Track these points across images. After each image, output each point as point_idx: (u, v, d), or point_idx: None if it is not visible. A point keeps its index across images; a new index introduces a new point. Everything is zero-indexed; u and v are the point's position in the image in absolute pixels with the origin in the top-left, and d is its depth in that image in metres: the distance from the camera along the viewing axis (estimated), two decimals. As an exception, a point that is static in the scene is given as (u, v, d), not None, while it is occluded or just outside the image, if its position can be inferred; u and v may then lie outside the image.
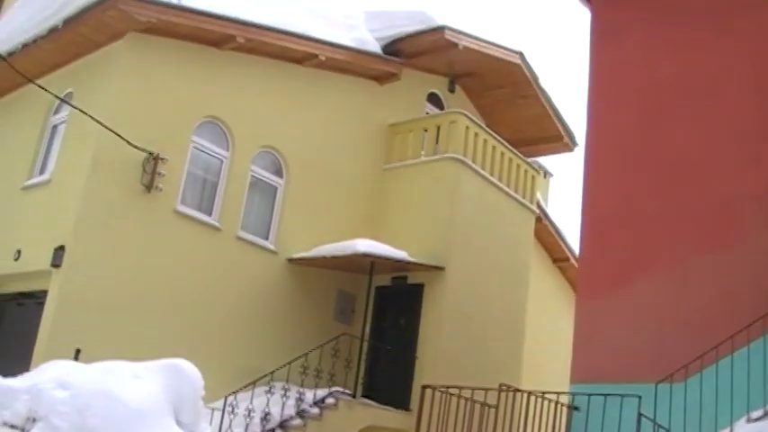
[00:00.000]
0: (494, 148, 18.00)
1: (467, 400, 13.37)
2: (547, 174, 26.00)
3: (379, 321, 16.71)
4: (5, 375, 10.94)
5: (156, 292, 14.17)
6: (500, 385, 12.18)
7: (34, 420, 8.78)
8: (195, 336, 14.35)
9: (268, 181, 16.33)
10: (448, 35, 17.84)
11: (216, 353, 14.20)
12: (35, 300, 14.41)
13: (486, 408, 12.29)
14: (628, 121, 13.42)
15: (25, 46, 15.48)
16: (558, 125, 21.04)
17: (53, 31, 14.89)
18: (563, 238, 23.59)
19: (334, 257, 15.59)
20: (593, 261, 13.47)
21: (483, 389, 12.39)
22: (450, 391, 12.87)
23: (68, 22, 14.58)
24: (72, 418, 8.70)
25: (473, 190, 17.24)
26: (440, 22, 17.97)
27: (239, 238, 15.55)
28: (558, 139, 21.44)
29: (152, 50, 14.67)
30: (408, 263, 15.87)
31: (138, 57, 14.57)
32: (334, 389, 14.49)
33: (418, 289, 16.49)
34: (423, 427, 13.50)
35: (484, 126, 18.25)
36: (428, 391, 13.67)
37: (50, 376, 10.00)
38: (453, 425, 12.83)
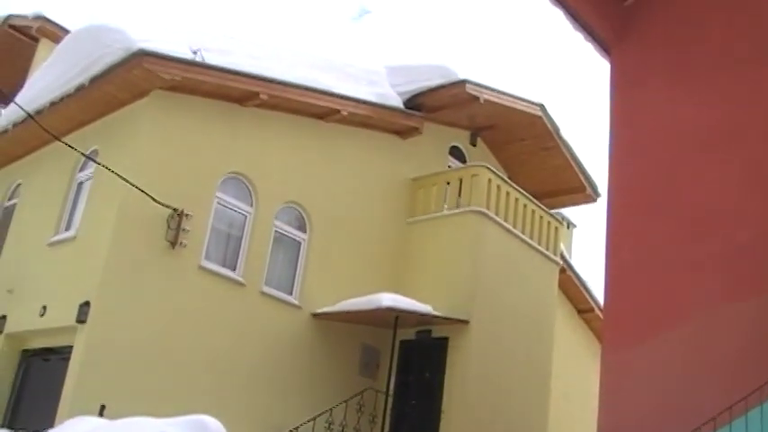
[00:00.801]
0: (516, 200, 18.00)
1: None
2: (570, 225, 25.94)
3: (404, 376, 16.59)
4: (30, 431, 11.00)
5: (181, 348, 14.16)
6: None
7: (60, 477, 8.80)
8: (220, 391, 14.29)
9: (292, 236, 16.36)
10: (469, 89, 17.92)
11: (241, 408, 14.12)
12: (60, 355, 14.47)
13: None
14: (650, 169, 13.38)
15: (53, 104, 15.75)
16: (581, 176, 21.02)
17: (80, 89, 15.15)
18: (587, 288, 23.46)
19: (359, 312, 15.55)
20: (618, 312, 13.35)
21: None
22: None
23: (95, 80, 14.81)
24: (96, 476, 8.71)
25: (496, 242, 17.20)
26: (461, 75, 18.07)
27: (263, 294, 15.53)
28: (580, 190, 21.40)
29: (176, 108, 14.83)
30: (432, 316, 15.80)
31: (162, 114, 14.74)
32: (359, 444, 14.41)
33: (443, 343, 16.38)
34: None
35: (506, 178, 18.26)
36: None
37: (76, 432, 10.01)
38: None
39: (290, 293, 16.06)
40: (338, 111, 16.68)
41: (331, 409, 14.51)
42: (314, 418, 14.09)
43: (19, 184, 18.44)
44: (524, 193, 18.32)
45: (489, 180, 17.34)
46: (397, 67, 18.92)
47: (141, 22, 16.71)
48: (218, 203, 15.22)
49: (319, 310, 16.04)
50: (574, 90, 62.08)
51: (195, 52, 14.55)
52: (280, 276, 16.03)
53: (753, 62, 12.56)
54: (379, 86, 17.81)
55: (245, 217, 15.61)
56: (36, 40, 22.00)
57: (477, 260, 16.70)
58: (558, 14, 13.44)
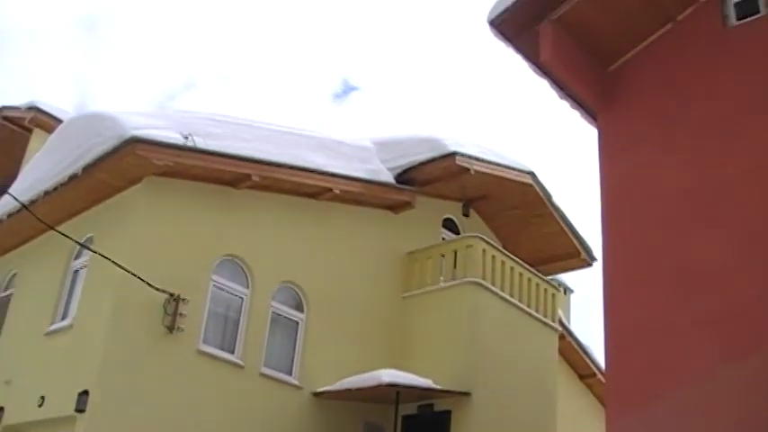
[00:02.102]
0: (512, 269, 18.03)
1: None
2: (567, 290, 25.93)
3: (405, 453, 16.45)
4: None
5: (182, 433, 14.06)
6: None
7: None
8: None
9: (289, 316, 16.33)
10: (459, 161, 18.04)
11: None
12: (60, 447, 14.36)
13: None
14: (642, 232, 13.41)
15: (47, 193, 15.82)
16: (575, 241, 21.09)
17: (73, 178, 15.23)
18: (588, 353, 23.40)
19: (359, 389, 15.44)
20: (619, 378, 13.26)
21: None
22: None
23: (87, 168, 14.91)
24: None
25: (494, 313, 17.19)
26: (450, 147, 18.14)
27: (263, 375, 15.44)
28: (575, 256, 21.45)
29: (169, 193, 14.94)
30: (434, 390, 15.71)
31: (155, 199, 14.84)
32: None
33: (445, 416, 16.22)
34: None
35: (501, 248, 18.32)
36: None
37: None
38: None
39: (290, 373, 15.97)
40: (330, 189, 16.79)
41: (335, 491, 14.37)
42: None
43: (14, 274, 18.43)
44: (519, 261, 18.37)
45: (484, 250, 17.39)
46: (386, 142, 19.06)
47: (131, 109, 16.89)
48: (215, 286, 15.23)
49: (320, 389, 15.95)
50: (565, 155, 62.56)
51: (186, 137, 14.67)
52: (279, 357, 15.95)
53: (737, 121, 12.69)
54: (370, 163, 17.94)
55: (242, 299, 15.62)
56: (29, 130, 22.21)
57: (475, 331, 16.67)
58: (544, 84, 13.59)
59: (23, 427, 15.52)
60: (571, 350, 22.62)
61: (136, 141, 14.08)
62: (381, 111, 69.15)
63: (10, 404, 15.77)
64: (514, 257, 18.29)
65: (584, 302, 37.83)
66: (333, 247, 17.23)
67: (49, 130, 20.12)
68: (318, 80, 70.36)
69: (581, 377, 23.81)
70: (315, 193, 16.84)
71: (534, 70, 13.44)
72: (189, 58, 70.60)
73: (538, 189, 19.88)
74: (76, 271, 15.97)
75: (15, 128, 22.68)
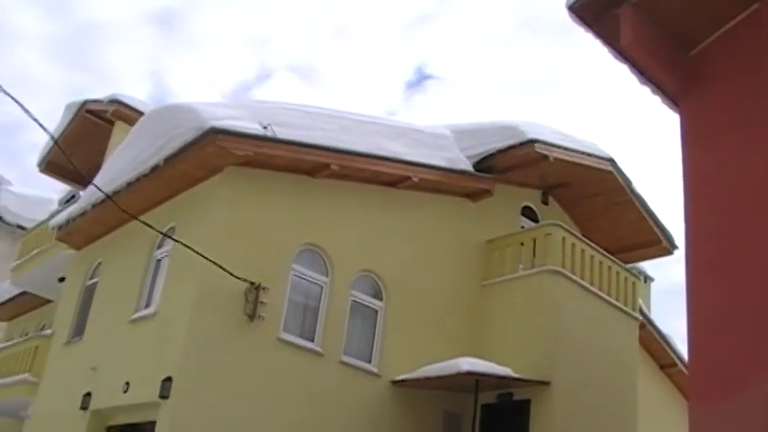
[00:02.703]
0: (591, 257, 17.80)
1: None
2: (647, 279, 25.54)
3: (487, 440, 16.40)
4: None
5: (263, 421, 14.20)
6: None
7: None
8: (303, 463, 14.31)
9: (368, 304, 16.40)
10: (538, 148, 17.90)
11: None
12: (144, 431, 14.63)
13: None
14: (728, 219, 13.08)
15: (129, 184, 16.15)
16: (656, 229, 20.75)
17: (155, 169, 15.53)
18: (669, 343, 23.06)
19: (438, 377, 15.43)
20: (703, 365, 12.98)
21: None
22: None
23: (169, 159, 15.18)
24: None
25: (574, 301, 17.01)
26: (529, 134, 18.01)
27: (342, 363, 15.55)
28: (655, 243, 21.10)
29: (249, 182, 15.09)
30: (513, 379, 15.62)
31: (236, 189, 15.00)
32: None
33: (524, 405, 16.13)
34: None
35: (580, 236, 18.09)
36: None
37: None
38: None
39: (369, 362, 16.04)
40: (409, 177, 16.79)
41: (414, 477, 14.38)
42: (397, 487, 13.97)
43: (99, 263, 18.85)
44: (599, 249, 18.12)
45: (563, 238, 17.20)
46: (465, 130, 18.97)
47: (209, 101, 17.07)
48: (294, 275, 15.35)
49: (399, 377, 15.98)
50: (644, 141, 61.63)
51: (265, 127, 14.80)
52: (358, 345, 16.04)
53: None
54: (448, 151, 17.87)
55: (322, 288, 15.72)
56: (111, 123, 22.63)
57: (555, 320, 16.51)
58: (624, 69, 13.34)
59: (110, 412, 15.93)
60: (651, 340, 22.31)
61: (216, 132, 14.27)
62: (455, 99, 69.00)
63: (97, 390, 16.16)
64: (594, 245, 18.05)
65: (665, 291, 37.32)
66: (411, 235, 17.23)
67: (131, 122, 20.45)
68: (392, 70, 70.44)
69: (661, 367, 23.48)
70: (393, 182, 16.85)
71: (614, 55, 13.21)
72: (263, 50, 71.26)
73: (617, 176, 19.60)
74: (159, 260, 16.25)
75: (98, 121, 23.14)
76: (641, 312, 19.69)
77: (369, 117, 17.50)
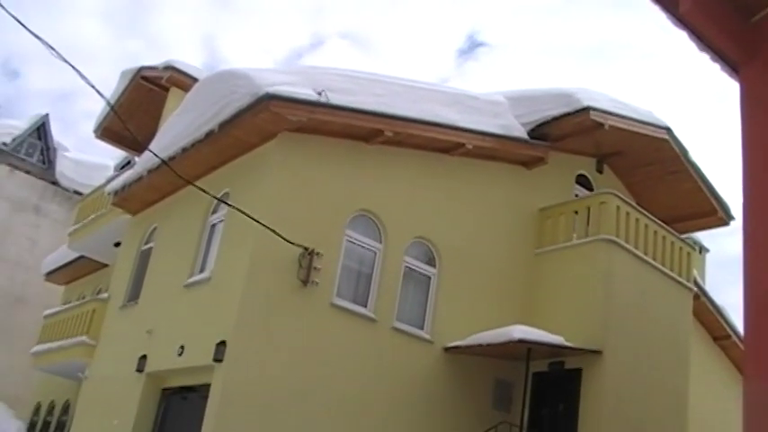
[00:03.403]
0: (646, 226, 17.59)
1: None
2: (702, 249, 25.23)
3: (538, 408, 16.34)
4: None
5: (316, 385, 14.33)
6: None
7: None
8: (354, 426, 14.45)
9: (421, 271, 16.41)
10: (593, 116, 17.69)
11: (375, 444, 14.14)
12: (198, 394, 14.85)
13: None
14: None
15: (185, 150, 16.28)
16: (712, 199, 20.46)
17: (210, 135, 15.63)
18: (723, 315, 22.78)
19: (490, 345, 15.40)
20: (760, 338, 12.84)
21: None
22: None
23: (223, 125, 15.27)
24: None
25: (627, 271, 16.85)
26: (584, 102, 17.79)
27: (395, 329, 15.60)
28: (711, 214, 20.81)
29: (303, 148, 15.12)
30: (565, 348, 15.56)
31: (290, 155, 15.04)
32: (494, 479, 14.23)
33: (576, 374, 16.08)
34: None
35: (635, 205, 17.90)
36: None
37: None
38: None
39: (422, 328, 16.08)
40: (463, 144, 16.70)
41: (466, 444, 14.42)
42: (449, 453, 14.02)
43: (155, 228, 19.07)
44: (654, 218, 17.91)
45: (618, 207, 17.03)
46: (519, 97, 18.79)
47: (264, 66, 17.08)
48: (348, 241, 15.39)
49: (451, 344, 16.00)
50: (701, 110, 60.72)
51: (320, 93, 14.80)
52: (411, 311, 16.08)
53: None
54: (503, 118, 17.73)
55: (375, 254, 15.75)
56: (166, 89, 22.79)
57: (608, 289, 16.38)
58: (683, 35, 13.10)
59: (164, 375, 16.19)
60: (705, 311, 22.05)
61: (270, 98, 14.29)
62: (507, 67, 68.46)
63: (152, 353, 16.42)
64: (649, 215, 17.84)
65: (720, 263, 36.84)
66: (465, 202, 17.17)
67: (185, 88, 20.56)
68: (443, 37, 70.01)
69: (715, 339, 23.22)
70: (447, 149, 16.77)
71: (673, 22, 12.98)
72: (316, 17, 71.18)
73: (674, 145, 19.34)
74: (214, 225, 16.39)
75: (153, 87, 23.32)
76: (695, 283, 19.48)
77: (422, 83, 17.42)
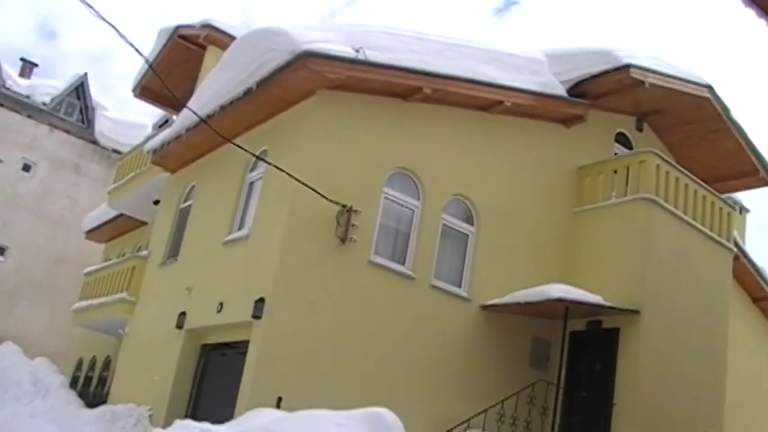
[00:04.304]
0: (686, 185, 17.40)
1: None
2: (743, 210, 24.98)
3: (575, 367, 16.35)
4: (213, 422, 11.43)
5: (353, 341, 14.42)
6: (706, 432, 11.70)
7: (243, 465, 9.10)
8: (392, 383, 14.51)
9: (459, 229, 16.38)
10: (633, 73, 17.46)
11: (412, 400, 14.17)
12: (237, 350, 15.03)
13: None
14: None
15: (223, 108, 16.32)
16: (754, 159, 20.18)
17: (248, 92, 15.64)
18: (763, 276, 22.59)
19: (528, 303, 15.41)
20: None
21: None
22: (655, 439, 12.45)
23: (261, 83, 15.27)
24: (278, 466, 8.97)
25: (666, 230, 16.72)
26: (624, 59, 17.55)
27: (433, 287, 15.62)
28: (753, 174, 20.56)
29: (341, 106, 15.09)
30: (603, 307, 15.50)
31: (328, 113, 15.03)
32: (530, 436, 14.27)
33: (613, 333, 16.03)
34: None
35: (674, 164, 17.71)
36: (632, 439, 13.27)
37: (256, 425, 10.36)
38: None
39: (459, 286, 16.08)
40: (501, 102, 16.57)
41: (502, 402, 14.45)
42: (485, 411, 14.05)
43: (193, 186, 19.20)
44: (694, 178, 17.71)
45: (657, 166, 16.85)
46: (558, 54, 18.57)
47: (302, 24, 17.01)
48: (386, 198, 15.39)
49: (488, 303, 16.01)
50: (745, 68, 59.84)
51: (358, 50, 14.72)
52: (448, 269, 16.08)
53: None
54: (542, 75, 17.55)
55: (413, 211, 15.74)
56: (203, 47, 22.78)
57: (646, 249, 16.27)
58: (728, -9, 12.89)
59: (204, 331, 16.38)
60: (745, 272, 21.87)
61: (308, 55, 14.27)
62: (543, 25, 67.73)
63: (191, 310, 16.61)
64: (689, 174, 17.64)
65: (761, 224, 36.49)
66: (503, 160, 17.08)
67: (223, 47, 20.54)
68: (478, -2, 69.31)
69: (754, 300, 23.06)
70: (486, 106, 16.65)
71: (718, -24, 12.81)
72: (351, -24, 70.75)
73: (715, 103, 19.06)
74: (252, 183, 16.47)
75: (191, 45, 23.31)
76: (735, 244, 19.29)
77: (461, 40, 17.26)
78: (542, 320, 16.50)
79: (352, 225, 14.45)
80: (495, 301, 15.95)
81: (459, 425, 13.58)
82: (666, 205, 16.73)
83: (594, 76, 17.80)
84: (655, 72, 17.86)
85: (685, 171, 17.58)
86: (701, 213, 17.59)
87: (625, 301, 15.69)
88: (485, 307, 16.05)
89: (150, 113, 34.64)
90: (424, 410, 14.26)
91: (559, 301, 15.08)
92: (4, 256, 35.18)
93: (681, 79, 18.50)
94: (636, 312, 15.64)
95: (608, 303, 15.48)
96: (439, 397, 15.05)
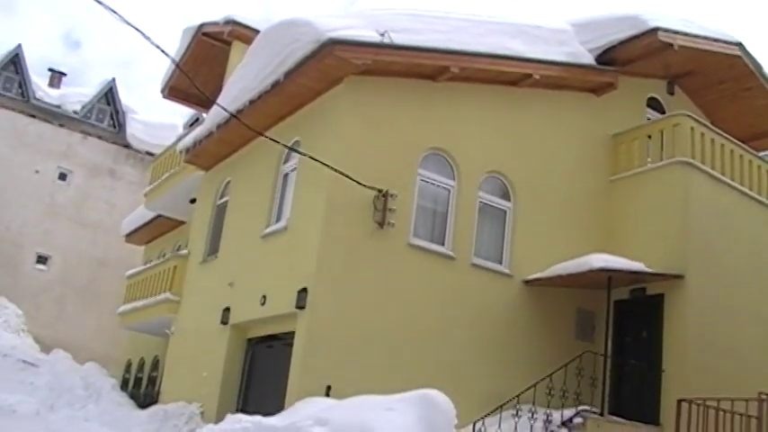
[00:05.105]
0: (722, 146, 17.17)
1: (725, 412, 12.79)
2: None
3: (621, 336, 16.25)
4: (264, 414, 11.52)
5: (398, 325, 14.45)
6: (759, 394, 11.58)
7: (296, 456, 9.16)
8: (438, 364, 14.52)
9: (496, 205, 16.33)
10: (661, 36, 17.27)
11: (460, 380, 14.20)
12: (283, 341, 15.13)
13: (747, 419, 11.67)
14: None
15: (252, 102, 16.38)
16: (790, 114, 19.97)
17: (276, 85, 15.69)
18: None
19: (570, 275, 15.32)
20: None
21: (743, 399, 11.81)
22: (708, 403, 12.34)
23: (289, 74, 15.30)
24: (332, 453, 9.02)
25: (706, 192, 16.52)
26: (652, 22, 17.33)
27: (474, 265, 15.60)
28: (790, 129, 20.35)
29: (370, 91, 15.08)
30: (646, 274, 15.37)
31: (357, 99, 15.02)
32: (581, 408, 14.13)
33: (658, 300, 15.89)
34: (682, 442, 13.03)
35: (709, 125, 17.50)
36: (684, 404, 13.17)
37: (307, 414, 10.43)
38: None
39: (500, 263, 16.05)
40: (530, 75, 16.45)
41: (550, 375, 14.38)
42: (534, 385, 14.00)
43: (228, 182, 19.29)
44: (730, 138, 17.48)
45: (692, 128, 16.66)
46: (584, 23, 18.39)
47: (325, 12, 16.98)
48: (421, 180, 15.37)
49: (530, 277, 15.97)
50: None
51: (382, 34, 14.68)
52: (488, 246, 16.04)
53: None
54: (569, 45, 17.40)
55: (449, 191, 15.70)
56: (228, 43, 22.83)
57: (686, 212, 16.10)
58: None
59: (248, 325, 16.50)
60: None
61: (334, 43, 14.26)
62: (570, -4, 67.08)
63: (235, 304, 16.72)
64: (725, 134, 17.42)
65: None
66: (536, 133, 16.97)
67: (247, 41, 20.56)
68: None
69: (801, 256, 22.73)
70: (515, 81, 16.55)
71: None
72: (370, -40, 70.44)
73: (747, 60, 18.84)
74: (286, 174, 16.51)
75: (215, 42, 23.39)
76: (779, 202, 19.00)
77: (485, 16, 17.15)
78: (586, 291, 16.41)
79: (390, 209, 14.46)
80: (537, 275, 15.90)
81: (508, 401, 13.54)
82: (704, 167, 16.54)
83: (622, 42, 17.61)
84: (683, 34, 17.66)
85: (720, 131, 17.37)
86: (739, 173, 17.36)
87: (668, 266, 15.56)
88: (527, 282, 16.01)
89: (180, 113, 34.86)
90: (473, 389, 14.24)
91: (602, 270, 14.97)
92: (47, 264, 35.67)
93: (710, 39, 18.29)
94: (680, 277, 15.50)
95: (651, 270, 15.35)
96: (487, 375, 15.06)
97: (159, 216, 26.46)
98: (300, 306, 14.06)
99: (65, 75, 41.20)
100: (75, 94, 38.85)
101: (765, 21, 60.62)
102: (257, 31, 20.22)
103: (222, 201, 19.48)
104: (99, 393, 20.50)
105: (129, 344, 27.72)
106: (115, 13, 10.88)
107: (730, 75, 19.27)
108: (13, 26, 66.26)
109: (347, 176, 13.94)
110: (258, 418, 11.09)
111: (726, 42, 18.49)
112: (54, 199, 36.39)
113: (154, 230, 28.38)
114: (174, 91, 26.31)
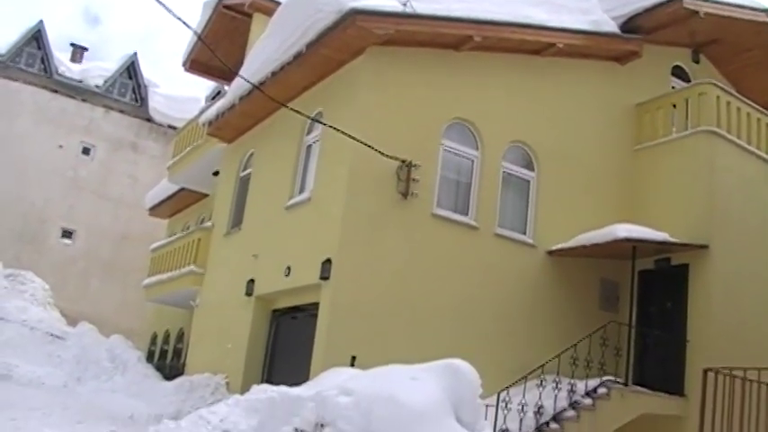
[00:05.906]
0: (748, 115, 17.00)
1: (752, 381, 12.72)
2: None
3: (645, 306, 16.14)
4: (289, 384, 11.57)
5: (422, 295, 14.47)
6: (787, 363, 11.49)
7: (322, 426, 9.22)
8: (464, 334, 14.52)
9: (520, 175, 16.25)
10: (687, 3, 17.11)
11: (484, 350, 14.11)
12: (307, 312, 15.17)
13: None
14: None
15: (274, 74, 16.36)
16: (819, 83, 19.72)
17: (298, 56, 15.64)
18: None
19: (594, 245, 15.24)
20: None
21: (770, 368, 11.73)
22: (734, 372, 12.28)
23: (311, 45, 15.24)
24: (357, 423, 9.04)
25: (731, 162, 16.36)
26: (676, -11, 17.25)
27: (497, 235, 15.56)
28: (820, 98, 20.07)
29: (393, 61, 15.00)
30: (670, 244, 15.28)
31: (380, 69, 14.95)
32: (605, 378, 14.11)
33: (683, 270, 15.81)
34: (707, 412, 12.98)
35: (735, 93, 17.29)
36: (710, 374, 13.10)
37: (333, 384, 10.44)
38: (740, 408, 12.24)
39: (524, 233, 16.00)
40: (554, 44, 16.32)
41: (575, 345, 14.35)
42: (558, 355, 13.98)
43: (251, 154, 19.31)
44: (756, 106, 17.30)
45: (717, 97, 16.50)
46: (609, -9, 18.26)
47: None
48: (445, 150, 15.31)
49: (554, 247, 15.91)
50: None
51: (405, 4, 14.61)
52: (512, 217, 15.99)
53: None
54: (592, 14, 17.24)
55: (472, 161, 15.64)
56: (249, 15, 22.77)
57: (712, 182, 15.98)
58: None
59: (273, 296, 16.55)
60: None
61: (356, 13, 14.19)
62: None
63: (259, 276, 16.77)
64: (751, 103, 17.24)
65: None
66: (560, 103, 16.85)
67: (269, 13, 20.47)
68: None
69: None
70: (538, 50, 16.42)
71: None
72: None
73: (774, 27, 18.62)
74: (309, 146, 16.49)
75: (236, 15, 23.32)
76: (806, 173, 18.80)
77: (507, -16, 17.02)
78: (610, 261, 16.36)
79: (413, 179, 14.43)
80: (561, 245, 15.84)
81: (533, 371, 13.53)
82: (729, 136, 16.40)
83: (647, 10, 17.50)
84: (709, 1, 17.48)
85: (747, 100, 17.18)
86: (765, 142, 17.20)
87: (692, 236, 15.47)
88: (551, 252, 15.96)
89: (202, 86, 34.88)
90: (497, 359, 14.21)
91: (626, 240, 14.89)
92: (71, 239, 35.92)
93: (737, 6, 18.10)
94: (704, 247, 15.41)
95: (675, 240, 15.26)
96: (511, 345, 15.07)
97: (182, 189, 26.55)
98: (324, 277, 14.09)
99: (86, 50, 41.33)
100: (98, 69, 38.96)
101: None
102: (278, 3, 20.17)
103: (245, 173, 19.50)
104: (125, 365, 20.69)
105: (154, 317, 27.90)
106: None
107: (757, 42, 19.04)
108: (34, 2, 66.40)
109: (370, 147, 13.90)
110: (284, 388, 11.13)
111: (753, 9, 18.30)
112: (77, 173, 36.59)
113: (177, 203, 28.49)
114: (195, 64, 26.32)
